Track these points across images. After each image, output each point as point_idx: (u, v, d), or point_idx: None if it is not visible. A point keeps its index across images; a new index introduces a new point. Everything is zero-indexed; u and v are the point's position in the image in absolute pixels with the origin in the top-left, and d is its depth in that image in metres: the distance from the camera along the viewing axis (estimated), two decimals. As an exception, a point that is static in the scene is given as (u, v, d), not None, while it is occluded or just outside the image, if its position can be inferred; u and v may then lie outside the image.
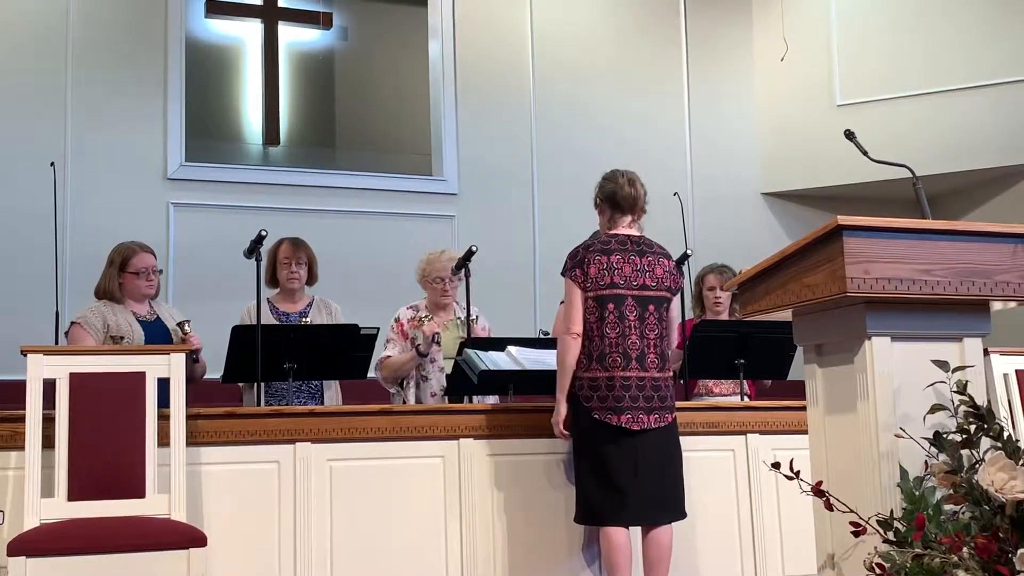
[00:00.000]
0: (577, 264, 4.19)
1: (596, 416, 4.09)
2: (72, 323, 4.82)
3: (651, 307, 4.19)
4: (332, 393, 5.18)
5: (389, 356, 5.22)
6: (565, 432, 4.23)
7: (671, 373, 4.27)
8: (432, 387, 5.15)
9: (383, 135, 8.29)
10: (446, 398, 5.06)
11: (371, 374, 4.91)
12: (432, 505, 4.33)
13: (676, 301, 4.36)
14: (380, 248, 7.75)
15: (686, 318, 5.36)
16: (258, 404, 4.72)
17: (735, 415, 4.80)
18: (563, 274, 4.25)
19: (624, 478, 4.06)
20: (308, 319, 5.09)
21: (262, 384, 4.76)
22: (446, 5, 8.33)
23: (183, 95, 7.59)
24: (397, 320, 5.29)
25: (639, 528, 4.16)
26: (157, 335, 4.79)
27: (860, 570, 2.62)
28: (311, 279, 5.26)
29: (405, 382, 5.21)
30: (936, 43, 8.39)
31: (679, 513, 4.19)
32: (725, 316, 5.58)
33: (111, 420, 3.85)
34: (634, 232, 4.28)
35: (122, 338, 4.68)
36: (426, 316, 5.26)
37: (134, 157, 7.37)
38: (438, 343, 5.15)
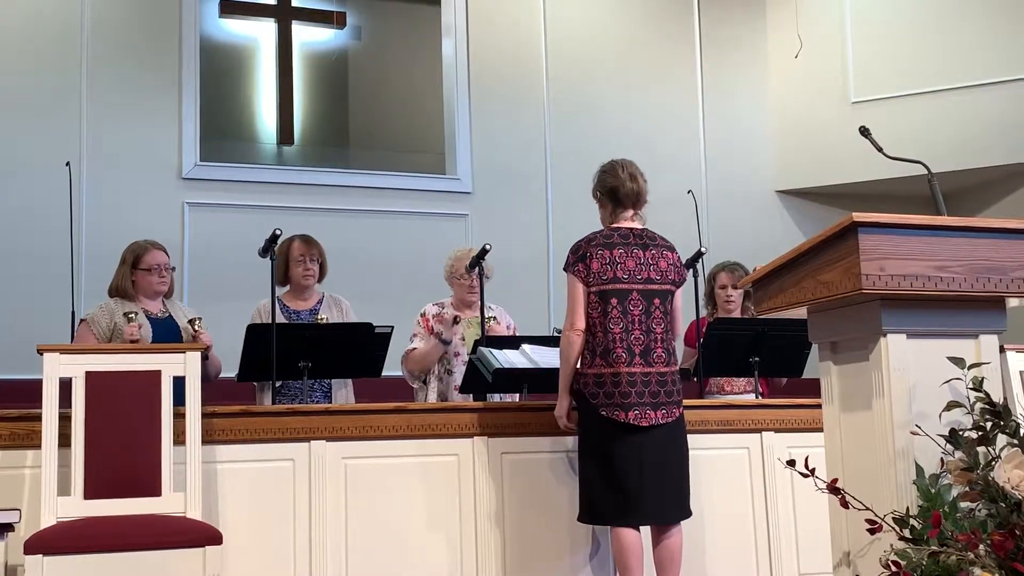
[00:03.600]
0: (579, 259, 4.16)
1: (603, 413, 4.06)
2: (80, 320, 4.88)
3: (656, 301, 4.17)
4: (345, 392, 5.19)
5: (415, 348, 5.25)
6: (570, 425, 4.23)
7: (677, 367, 4.25)
8: (456, 380, 5.16)
9: (397, 134, 8.30)
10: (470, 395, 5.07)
11: (386, 373, 4.92)
12: (446, 503, 4.33)
13: (679, 293, 4.33)
14: (394, 247, 7.76)
15: (699, 316, 5.36)
16: (272, 403, 4.73)
17: (750, 413, 4.79)
18: (565, 269, 4.22)
19: (630, 477, 4.03)
20: (324, 316, 5.09)
21: (275, 383, 4.77)
22: (459, 4, 8.33)
23: (197, 95, 7.61)
24: (423, 315, 5.32)
25: (648, 528, 4.14)
26: (166, 333, 4.80)
27: (876, 568, 2.61)
28: (321, 275, 5.28)
29: (428, 377, 5.24)
30: (951, 39, 8.36)
31: (685, 512, 4.15)
32: (737, 314, 5.56)
33: (127, 419, 3.87)
34: (636, 225, 4.25)
35: (135, 313, 4.69)
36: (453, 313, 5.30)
37: (149, 157, 7.40)
38: (462, 337, 5.18)
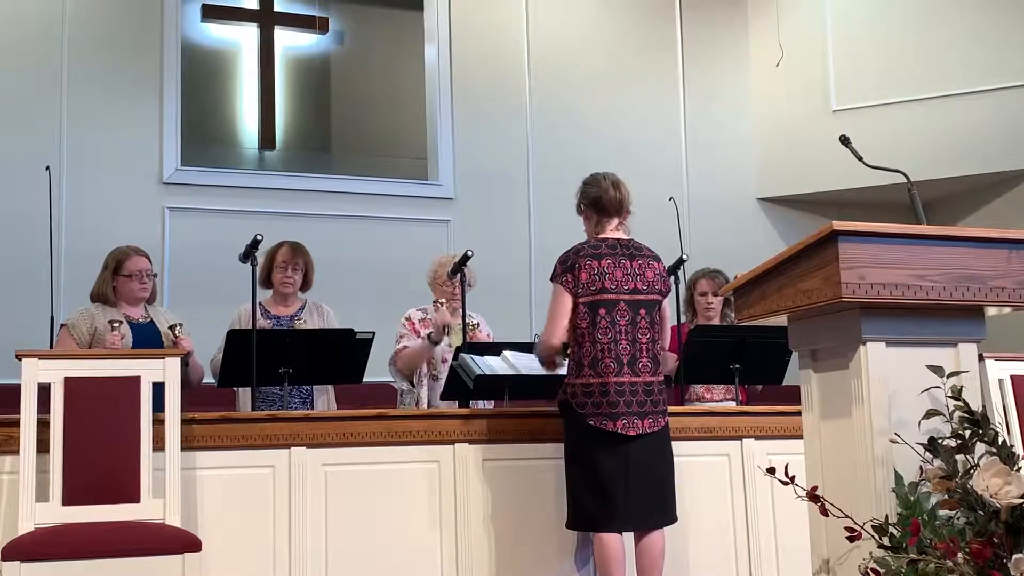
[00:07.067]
0: (568, 269, 4.17)
1: (591, 423, 4.08)
2: (61, 325, 4.86)
3: (643, 311, 4.18)
4: (325, 399, 5.17)
5: (404, 347, 5.23)
6: None
7: (663, 377, 4.26)
8: (443, 387, 5.14)
9: (379, 139, 8.29)
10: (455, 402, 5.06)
11: (367, 379, 4.91)
12: (427, 510, 4.32)
13: (667, 302, 4.35)
14: (376, 252, 7.76)
15: (680, 323, 5.36)
16: (252, 409, 4.71)
17: (730, 420, 4.80)
18: (552, 280, 4.23)
19: (616, 484, 4.05)
20: (303, 322, 5.08)
21: (255, 389, 4.75)
22: (442, 10, 8.34)
23: (179, 99, 7.59)
24: (408, 319, 5.32)
25: (631, 534, 4.15)
26: (146, 338, 4.77)
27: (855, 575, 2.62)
28: (306, 285, 5.27)
29: (417, 378, 5.22)
30: (931, 48, 8.41)
31: (670, 517, 4.18)
32: (716, 321, 5.58)
33: (106, 424, 3.84)
34: (622, 235, 4.26)
35: (120, 322, 4.66)
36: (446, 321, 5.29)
37: (130, 161, 7.37)
38: (449, 344, 5.17)
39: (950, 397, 2.66)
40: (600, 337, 4.11)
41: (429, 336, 5.16)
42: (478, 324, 5.29)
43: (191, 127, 7.68)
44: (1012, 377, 4.19)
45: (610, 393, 4.07)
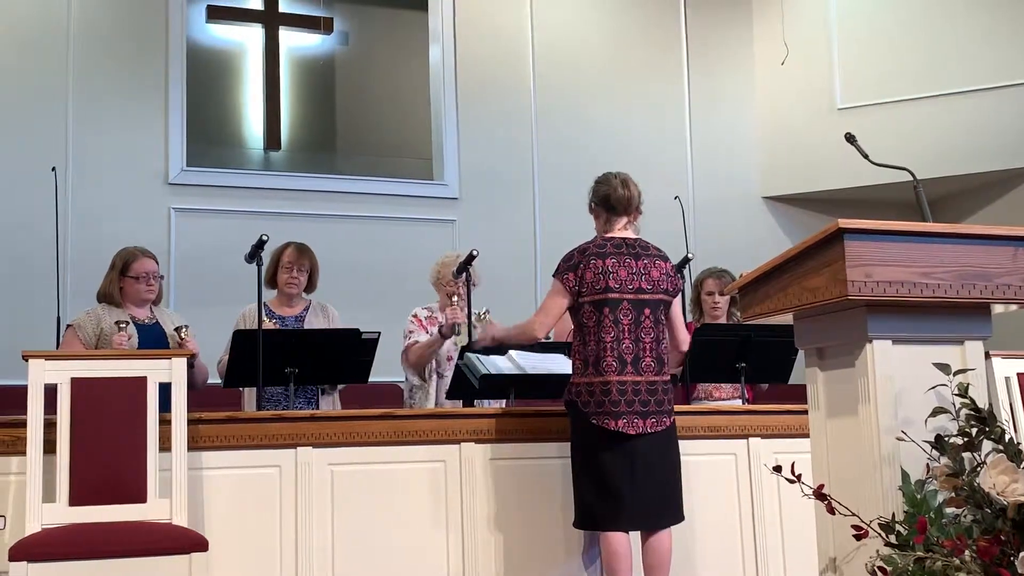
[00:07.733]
0: (571, 268, 4.18)
1: (593, 421, 4.08)
2: (67, 326, 4.86)
3: (647, 310, 4.17)
4: (331, 399, 5.18)
5: (416, 342, 5.24)
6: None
7: (669, 376, 4.26)
8: (448, 384, 5.15)
9: (384, 140, 8.29)
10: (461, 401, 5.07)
11: (373, 379, 4.91)
12: (433, 509, 4.32)
13: (677, 301, 4.35)
14: (381, 253, 7.76)
15: (686, 322, 5.36)
16: (257, 409, 4.71)
17: (736, 419, 4.79)
18: (554, 275, 4.24)
19: (621, 483, 4.04)
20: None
21: (260, 389, 4.75)
22: (447, 10, 8.34)
23: (184, 100, 7.60)
24: (415, 316, 5.34)
25: (639, 532, 4.15)
26: (151, 339, 4.78)
27: (862, 574, 2.62)
28: (310, 287, 5.27)
29: (427, 372, 5.22)
30: (937, 46, 8.40)
31: (677, 517, 4.17)
32: (723, 320, 5.57)
33: (112, 425, 3.85)
34: (630, 234, 4.26)
35: (126, 323, 4.67)
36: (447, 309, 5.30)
37: (135, 162, 7.38)
38: (454, 342, 5.18)
39: (956, 395, 2.66)
40: (603, 336, 4.11)
41: (439, 329, 5.17)
42: (487, 312, 5.28)
43: (196, 128, 7.69)
44: (1019, 375, 4.18)
45: (611, 392, 4.07)
